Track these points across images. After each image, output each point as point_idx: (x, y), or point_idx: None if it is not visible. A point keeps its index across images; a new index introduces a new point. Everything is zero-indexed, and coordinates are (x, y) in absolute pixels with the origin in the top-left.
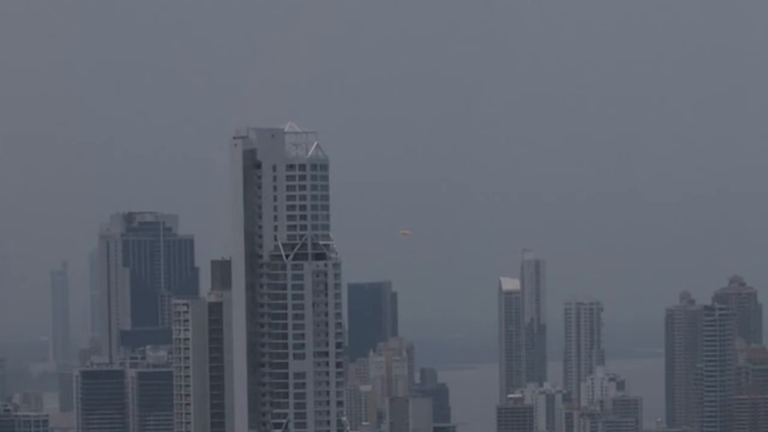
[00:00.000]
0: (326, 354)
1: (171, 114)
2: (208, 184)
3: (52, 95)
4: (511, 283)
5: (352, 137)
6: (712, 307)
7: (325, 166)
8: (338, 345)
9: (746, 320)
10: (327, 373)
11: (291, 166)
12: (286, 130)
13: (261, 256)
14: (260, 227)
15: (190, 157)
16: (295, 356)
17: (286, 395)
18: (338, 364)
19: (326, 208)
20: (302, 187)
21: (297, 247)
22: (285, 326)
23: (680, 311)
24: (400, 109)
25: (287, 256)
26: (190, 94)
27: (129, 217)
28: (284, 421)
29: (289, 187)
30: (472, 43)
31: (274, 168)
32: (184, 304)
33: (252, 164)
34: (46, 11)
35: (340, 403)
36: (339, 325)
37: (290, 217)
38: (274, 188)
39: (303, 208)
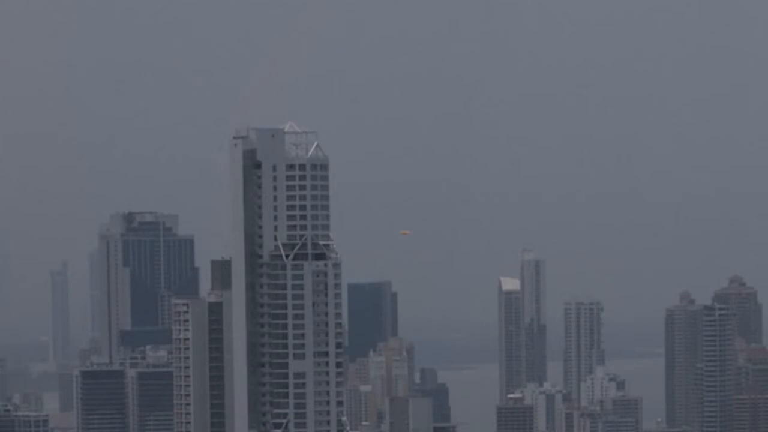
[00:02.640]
0: (326, 354)
1: (171, 114)
2: (208, 184)
3: (52, 95)
4: (511, 283)
5: (352, 137)
6: (712, 307)
7: (325, 166)
8: (338, 345)
9: (746, 320)
10: (327, 373)
11: (291, 166)
12: (286, 130)
13: (261, 256)
14: (260, 227)
15: (190, 157)
16: (295, 356)
17: (286, 395)
18: (338, 364)
19: (326, 208)
20: (302, 187)
21: (297, 247)
22: (285, 326)
23: (680, 311)
24: (400, 109)
25: (287, 256)
26: (190, 94)
27: (129, 217)
28: (284, 421)
29: (289, 187)
30: (472, 43)
31: (274, 168)
32: (184, 304)
33: (252, 164)
34: (46, 11)
35: (340, 403)
36: (339, 325)
37: (290, 217)
38: (274, 188)
39: (303, 208)
